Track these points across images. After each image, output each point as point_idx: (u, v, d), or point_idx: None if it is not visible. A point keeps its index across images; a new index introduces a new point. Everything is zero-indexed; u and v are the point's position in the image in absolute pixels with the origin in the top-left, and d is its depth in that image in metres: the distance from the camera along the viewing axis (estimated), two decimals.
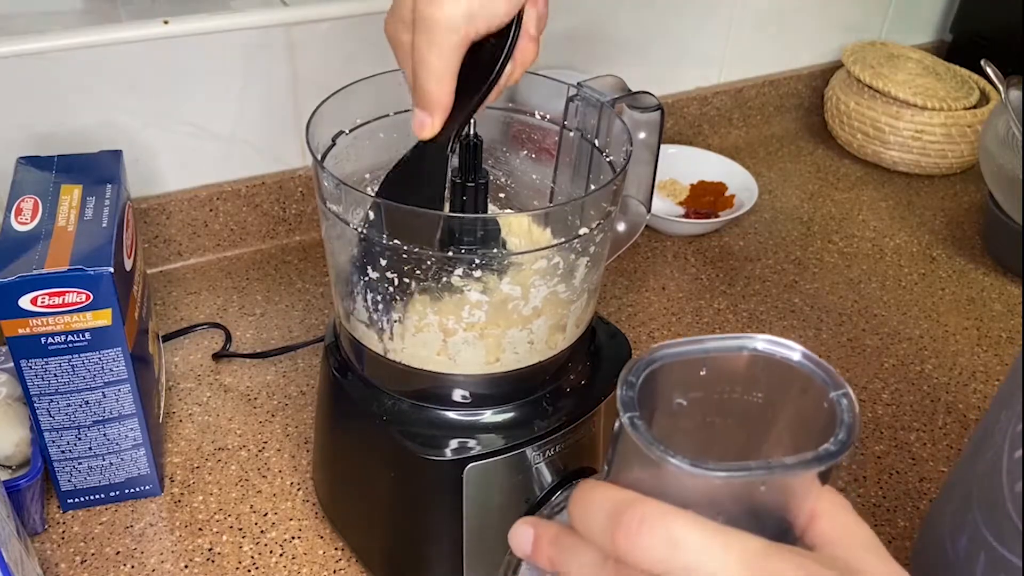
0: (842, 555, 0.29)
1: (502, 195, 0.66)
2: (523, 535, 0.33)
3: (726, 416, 0.32)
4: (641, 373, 0.30)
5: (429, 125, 0.48)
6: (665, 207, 1.08)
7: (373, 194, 0.55)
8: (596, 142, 0.60)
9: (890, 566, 0.30)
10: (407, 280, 0.54)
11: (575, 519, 0.30)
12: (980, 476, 0.47)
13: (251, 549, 0.67)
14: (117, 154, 0.71)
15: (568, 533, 0.31)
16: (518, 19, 0.47)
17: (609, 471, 0.31)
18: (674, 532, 0.27)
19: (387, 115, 0.62)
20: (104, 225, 0.62)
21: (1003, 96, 0.86)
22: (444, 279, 0.54)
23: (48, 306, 0.59)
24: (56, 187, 0.65)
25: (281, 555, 0.67)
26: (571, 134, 0.62)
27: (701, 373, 0.31)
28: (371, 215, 0.52)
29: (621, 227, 0.65)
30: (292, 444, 0.75)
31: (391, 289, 0.54)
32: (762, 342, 0.31)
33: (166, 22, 0.82)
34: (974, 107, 1.18)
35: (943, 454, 0.78)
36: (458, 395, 0.58)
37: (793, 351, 0.30)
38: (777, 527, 0.30)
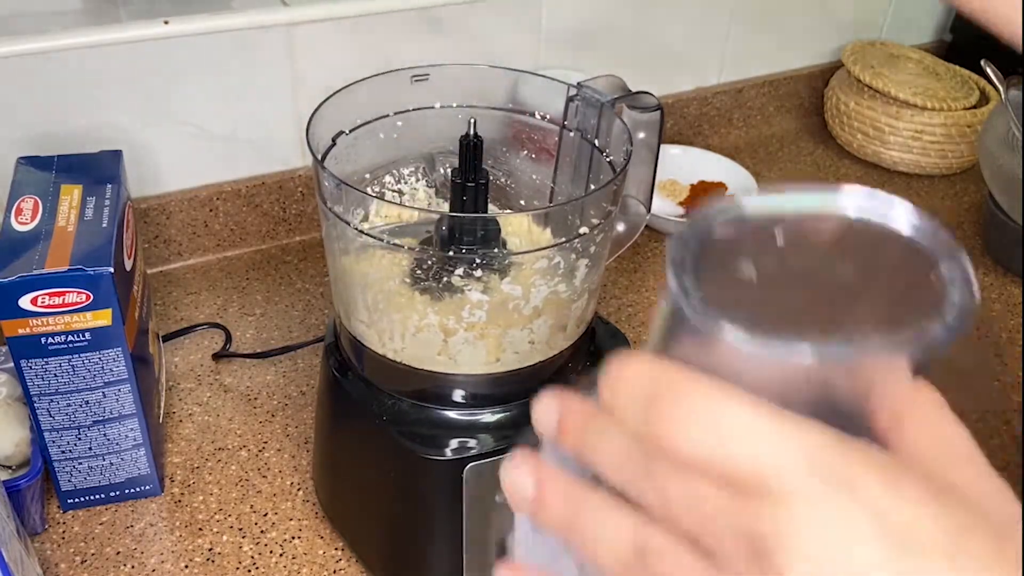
0: (932, 464, 0.24)
1: (502, 195, 0.66)
2: (548, 412, 0.27)
3: (801, 291, 0.25)
4: (707, 226, 0.23)
5: None
6: (665, 207, 1.08)
7: (373, 194, 0.55)
8: (596, 142, 0.60)
9: (992, 482, 0.24)
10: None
11: (605, 398, 0.25)
12: None
13: (251, 549, 0.67)
14: (117, 154, 0.71)
15: (598, 414, 0.25)
16: None
17: None
18: (723, 417, 0.22)
19: (387, 115, 0.62)
20: (104, 225, 0.62)
21: (1003, 96, 0.87)
22: (445, 279, 0.54)
23: (48, 306, 0.58)
24: (56, 187, 0.65)
25: (281, 555, 0.66)
26: (571, 134, 0.62)
27: (777, 243, 0.24)
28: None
29: (621, 227, 0.65)
30: (292, 444, 0.75)
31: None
32: (855, 196, 0.24)
33: (166, 22, 0.82)
34: (974, 107, 1.18)
35: None
36: (458, 395, 0.58)
37: (900, 216, 0.23)
38: (847, 428, 0.23)
